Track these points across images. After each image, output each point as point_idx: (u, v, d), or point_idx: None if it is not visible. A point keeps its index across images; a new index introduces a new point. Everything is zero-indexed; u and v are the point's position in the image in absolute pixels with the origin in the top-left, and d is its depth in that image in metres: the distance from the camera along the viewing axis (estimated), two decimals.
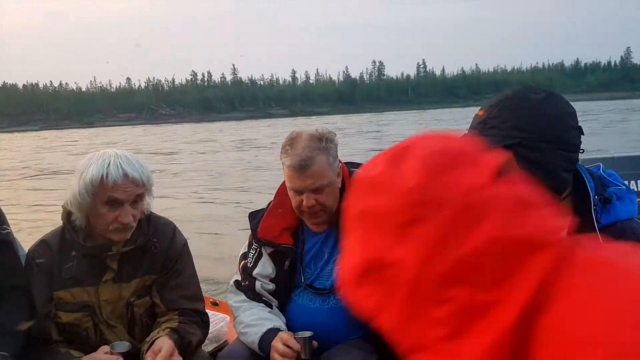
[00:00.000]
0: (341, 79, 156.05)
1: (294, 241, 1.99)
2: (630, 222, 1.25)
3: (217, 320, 2.48)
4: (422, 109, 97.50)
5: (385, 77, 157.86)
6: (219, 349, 2.27)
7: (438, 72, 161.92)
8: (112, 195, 1.70)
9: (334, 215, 1.96)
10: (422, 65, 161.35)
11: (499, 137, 1.22)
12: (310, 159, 1.82)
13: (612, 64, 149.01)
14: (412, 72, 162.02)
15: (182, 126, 67.54)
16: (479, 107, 1.32)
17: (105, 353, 1.67)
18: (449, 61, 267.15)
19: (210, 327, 2.08)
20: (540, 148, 1.20)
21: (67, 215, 1.81)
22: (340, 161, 1.99)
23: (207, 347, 2.24)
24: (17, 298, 1.75)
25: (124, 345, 1.70)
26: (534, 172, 1.18)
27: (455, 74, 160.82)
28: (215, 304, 2.84)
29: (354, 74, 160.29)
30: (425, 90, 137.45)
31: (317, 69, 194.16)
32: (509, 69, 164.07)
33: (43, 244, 1.84)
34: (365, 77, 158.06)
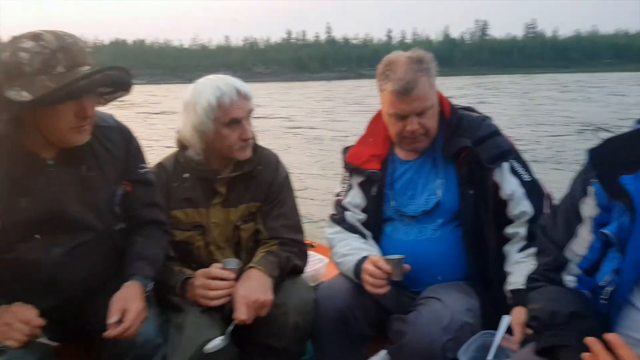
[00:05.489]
0: (440, 39, 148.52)
1: (382, 168, 1.95)
2: None
3: (315, 261, 2.45)
4: (528, 72, 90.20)
5: (488, 37, 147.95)
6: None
7: (549, 34, 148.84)
8: (232, 115, 1.79)
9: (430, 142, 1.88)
10: (531, 26, 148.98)
11: None
12: (415, 81, 1.76)
13: None
14: (520, 33, 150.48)
15: (276, 85, 67.62)
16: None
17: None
18: (562, 22, 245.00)
19: (307, 267, 2.09)
20: None
21: (181, 144, 1.92)
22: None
23: None
24: (155, 230, 1.81)
25: (234, 262, 1.79)
26: None
27: (568, 36, 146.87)
28: (311, 246, 2.78)
29: (455, 34, 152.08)
30: (532, 53, 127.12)
31: (415, 29, 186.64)
32: (632, 32, 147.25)
33: (160, 166, 1.98)
34: (467, 37, 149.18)
